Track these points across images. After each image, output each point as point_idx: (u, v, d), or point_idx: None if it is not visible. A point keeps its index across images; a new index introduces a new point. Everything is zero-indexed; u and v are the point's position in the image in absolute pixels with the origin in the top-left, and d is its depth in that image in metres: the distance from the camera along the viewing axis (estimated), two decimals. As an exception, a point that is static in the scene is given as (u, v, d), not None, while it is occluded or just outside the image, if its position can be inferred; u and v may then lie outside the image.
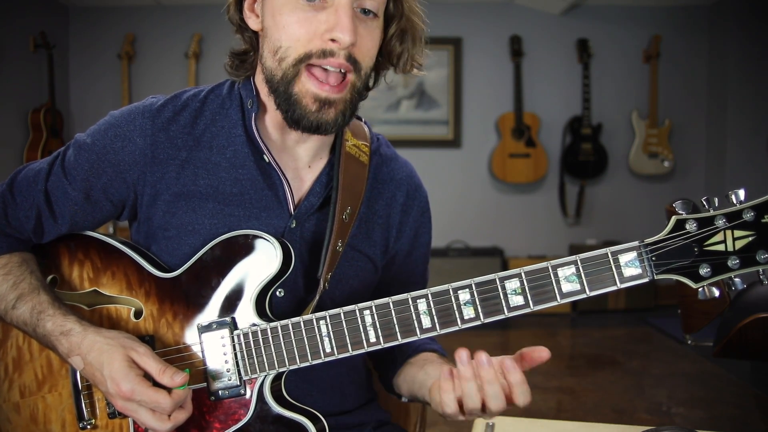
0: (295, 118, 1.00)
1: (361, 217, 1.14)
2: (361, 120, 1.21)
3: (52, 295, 1.06)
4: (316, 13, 0.96)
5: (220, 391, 1.01)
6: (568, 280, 0.89)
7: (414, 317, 0.94)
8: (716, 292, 0.86)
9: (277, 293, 1.07)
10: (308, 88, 0.99)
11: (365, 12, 1.00)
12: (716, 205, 0.86)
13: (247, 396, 1.01)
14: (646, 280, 0.87)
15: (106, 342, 0.98)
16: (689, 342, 2.48)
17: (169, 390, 0.96)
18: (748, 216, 0.83)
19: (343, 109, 1.01)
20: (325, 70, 0.98)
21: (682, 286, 0.86)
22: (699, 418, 3.05)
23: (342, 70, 0.99)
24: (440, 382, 0.94)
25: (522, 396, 0.90)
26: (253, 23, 1.05)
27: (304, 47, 0.97)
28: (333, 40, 0.96)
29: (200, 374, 1.02)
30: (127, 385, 0.94)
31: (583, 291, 0.89)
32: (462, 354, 0.90)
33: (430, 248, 1.27)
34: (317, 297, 1.05)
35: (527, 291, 0.91)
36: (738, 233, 0.84)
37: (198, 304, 1.04)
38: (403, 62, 1.10)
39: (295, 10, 0.97)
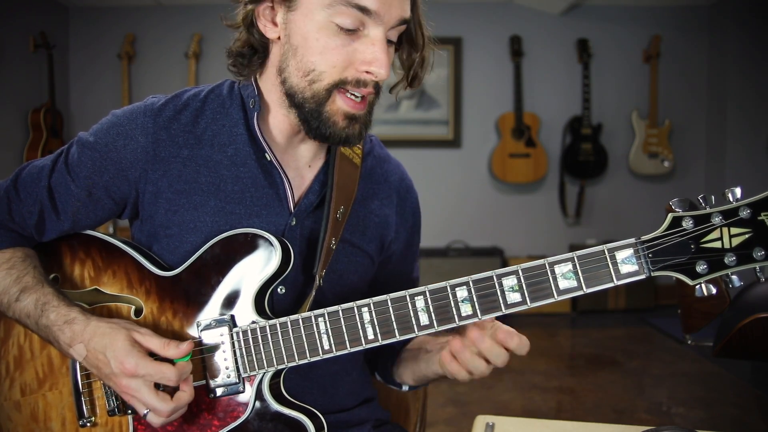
0: (326, 134, 1.04)
1: (358, 214, 1.17)
2: None
3: (56, 288, 1.07)
4: (352, 42, 0.99)
5: (218, 389, 1.02)
6: (565, 277, 0.90)
7: (412, 314, 0.95)
8: (713, 290, 0.86)
9: (279, 290, 1.09)
10: (340, 106, 1.02)
11: (388, 42, 1.03)
12: (713, 202, 0.86)
13: (246, 393, 1.02)
14: (642, 276, 0.87)
15: (108, 326, 0.99)
16: (689, 342, 2.48)
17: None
18: (745, 213, 0.84)
19: (365, 122, 1.06)
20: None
21: (682, 286, 0.87)
22: (699, 418, 3.05)
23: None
24: (446, 366, 1.01)
25: (522, 349, 0.96)
26: (270, 32, 1.05)
27: (339, 74, 1.00)
28: (368, 72, 0.99)
29: (199, 372, 1.03)
30: (131, 360, 0.95)
31: (580, 288, 0.90)
32: (455, 344, 0.98)
33: (419, 246, 1.32)
34: (313, 293, 1.07)
35: (524, 288, 0.91)
36: (734, 230, 0.84)
37: (198, 302, 1.04)
38: (419, 81, 1.15)
39: (332, 36, 0.98)
